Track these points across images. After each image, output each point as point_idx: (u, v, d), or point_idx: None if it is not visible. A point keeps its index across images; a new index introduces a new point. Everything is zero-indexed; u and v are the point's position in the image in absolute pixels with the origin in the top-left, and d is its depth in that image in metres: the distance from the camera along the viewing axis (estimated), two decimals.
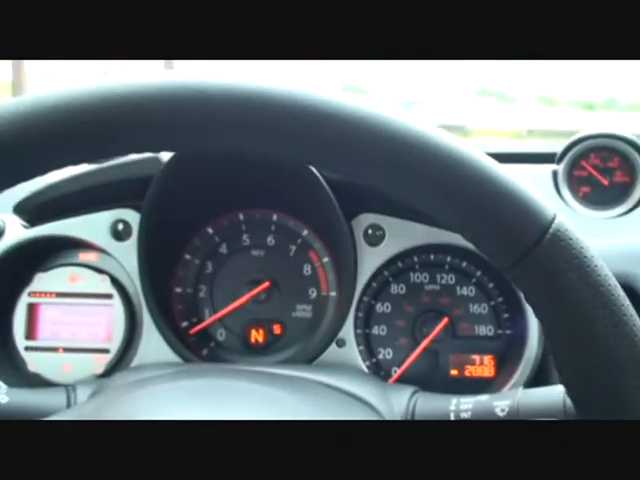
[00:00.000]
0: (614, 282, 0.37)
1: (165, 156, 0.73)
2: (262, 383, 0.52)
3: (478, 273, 0.79)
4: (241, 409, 0.46)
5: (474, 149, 0.37)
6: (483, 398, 0.59)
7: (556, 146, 1.12)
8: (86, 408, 0.54)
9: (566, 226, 0.37)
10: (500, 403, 0.57)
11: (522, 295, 0.72)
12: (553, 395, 0.55)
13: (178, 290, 0.84)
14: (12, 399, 0.64)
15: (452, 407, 0.60)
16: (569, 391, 0.40)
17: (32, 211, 0.78)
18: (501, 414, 0.57)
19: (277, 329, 0.84)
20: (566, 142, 1.06)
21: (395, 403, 0.63)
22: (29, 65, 3.29)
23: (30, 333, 0.80)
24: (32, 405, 0.65)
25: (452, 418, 0.59)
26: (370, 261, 0.77)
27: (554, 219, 0.37)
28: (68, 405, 0.66)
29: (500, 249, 0.38)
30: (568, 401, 0.52)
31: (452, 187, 0.37)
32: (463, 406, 0.59)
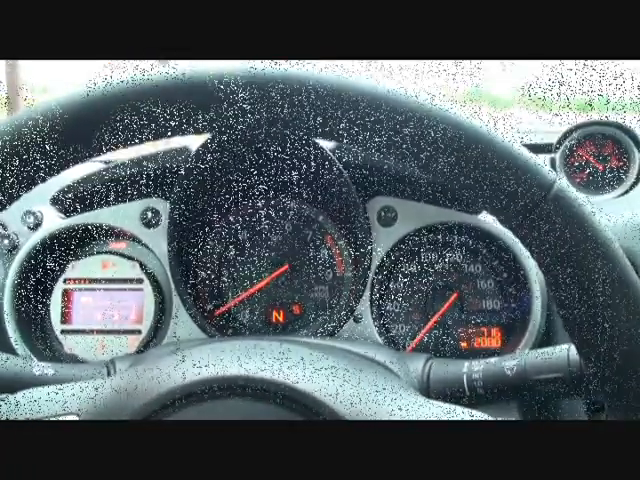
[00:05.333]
0: (610, 235, 0.43)
1: (193, 147, 0.79)
2: (299, 345, 0.57)
3: (484, 251, 0.85)
4: (295, 362, 0.49)
5: (490, 127, 0.43)
6: (492, 360, 0.64)
7: (551, 138, 1.17)
8: (138, 369, 0.57)
9: (565, 186, 0.42)
10: (508, 363, 0.62)
11: (525, 269, 0.78)
12: (557, 353, 0.60)
13: (203, 274, 0.89)
14: (58, 372, 0.69)
15: (464, 369, 0.65)
16: (575, 343, 0.45)
17: (67, 203, 0.84)
18: (509, 373, 0.62)
19: (296, 309, 0.89)
20: (561, 132, 1.11)
21: (412, 368, 0.68)
22: (23, 81, 3.28)
23: (66, 317, 0.85)
24: (76, 378, 0.70)
25: (465, 380, 0.64)
26: (383, 242, 0.83)
27: (555, 180, 0.42)
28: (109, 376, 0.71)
29: (510, 206, 0.43)
30: (572, 357, 0.57)
31: (472, 156, 0.42)
32: (475, 368, 0.64)
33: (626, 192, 1.02)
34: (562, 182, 0.43)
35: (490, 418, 0.44)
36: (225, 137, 0.74)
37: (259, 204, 0.90)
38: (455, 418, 0.43)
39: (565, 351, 0.59)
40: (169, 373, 0.46)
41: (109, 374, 0.71)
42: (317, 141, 0.76)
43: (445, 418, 0.43)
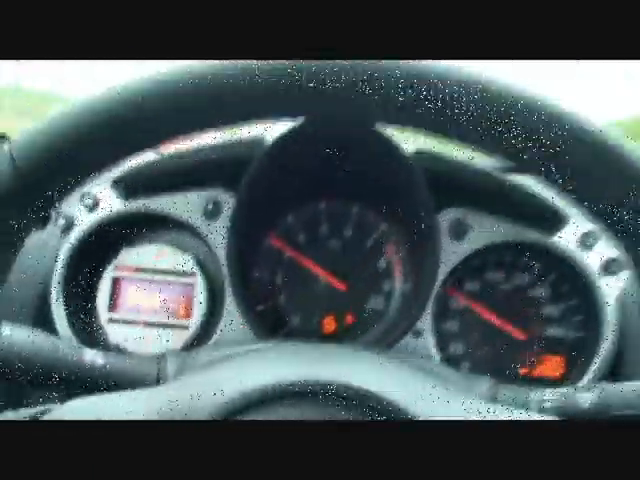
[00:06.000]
0: None
1: (267, 138, 0.76)
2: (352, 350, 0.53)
3: (553, 275, 0.81)
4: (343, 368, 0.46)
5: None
6: (565, 390, 0.60)
7: None
8: (195, 378, 0.53)
9: None
10: (585, 396, 0.58)
11: (598, 297, 0.74)
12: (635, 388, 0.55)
13: (257, 274, 0.86)
14: (108, 361, 0.66)
15: (534, 398, 0.60)
16: None
17: (128, 186, 0.81)
18: (587, 406, 0.58)
19: (349, 319, 0.85)
20: None
21: (474, 389, 0.64)
22: None
23: (113, 306, 0.82)
24: (126, 371, 0.66)
25: (534, 410, 0.60)
26: (451, 256, 0.79)
27: None
28: (158, 373, 0.67)
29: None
30: None
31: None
32: (545, 397, 0.60)
33: None
34: None
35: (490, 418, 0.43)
36: (306, 129, 0.71)
37: (321, 205, 0.87)
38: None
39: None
40: (226, 382, 0.43)
41: (159, 371, 0.67)
42: (397, 144, 0.73)
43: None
